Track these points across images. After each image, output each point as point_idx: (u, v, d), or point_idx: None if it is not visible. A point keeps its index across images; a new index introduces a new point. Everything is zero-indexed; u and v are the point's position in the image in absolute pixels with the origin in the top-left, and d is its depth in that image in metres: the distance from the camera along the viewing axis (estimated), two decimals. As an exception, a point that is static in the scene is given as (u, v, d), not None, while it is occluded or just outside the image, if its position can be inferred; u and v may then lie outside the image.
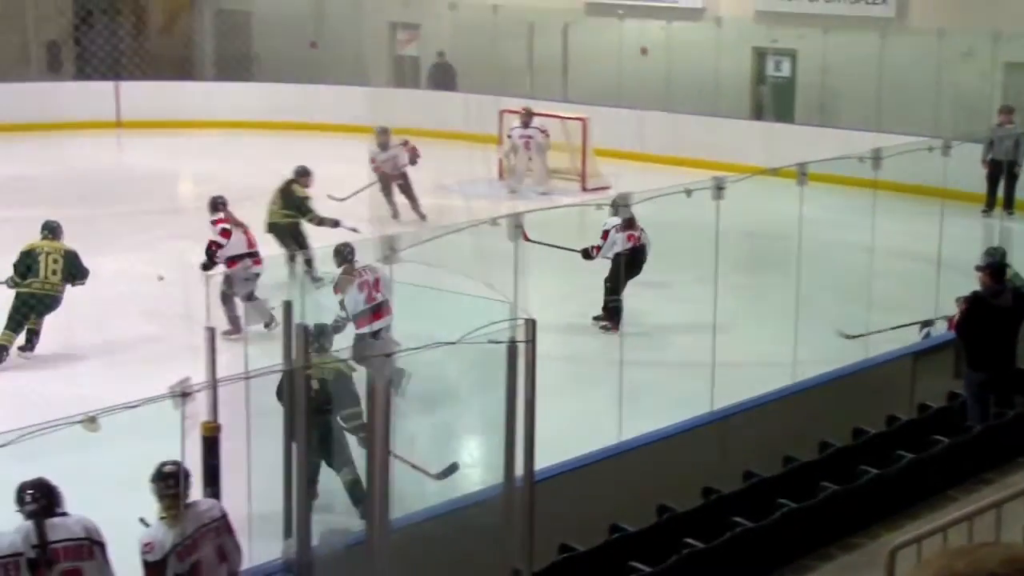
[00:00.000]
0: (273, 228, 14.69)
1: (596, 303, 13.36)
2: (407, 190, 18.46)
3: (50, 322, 12.96)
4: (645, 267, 13.56)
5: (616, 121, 22.40)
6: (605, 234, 13.49)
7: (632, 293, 10.59)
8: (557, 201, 18.05)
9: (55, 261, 12.73)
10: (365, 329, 10.75)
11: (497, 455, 7.08)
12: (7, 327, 12.50)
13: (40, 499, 6.61)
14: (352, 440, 8.77)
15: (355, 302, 10.75)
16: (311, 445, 8.24)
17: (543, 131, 20.38)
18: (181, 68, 27.09)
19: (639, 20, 23.71)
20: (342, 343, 9.49)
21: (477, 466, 9.37)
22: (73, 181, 20.21)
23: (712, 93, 22.53)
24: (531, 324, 6.83)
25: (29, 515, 6.58)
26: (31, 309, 12.55)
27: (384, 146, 18.47)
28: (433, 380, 9.19)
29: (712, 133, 22.13)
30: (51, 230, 13.07)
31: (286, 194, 15.01)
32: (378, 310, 10.90)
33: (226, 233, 12.65)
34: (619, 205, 12.28)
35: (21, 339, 12.60)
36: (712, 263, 10.05)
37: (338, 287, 10.79)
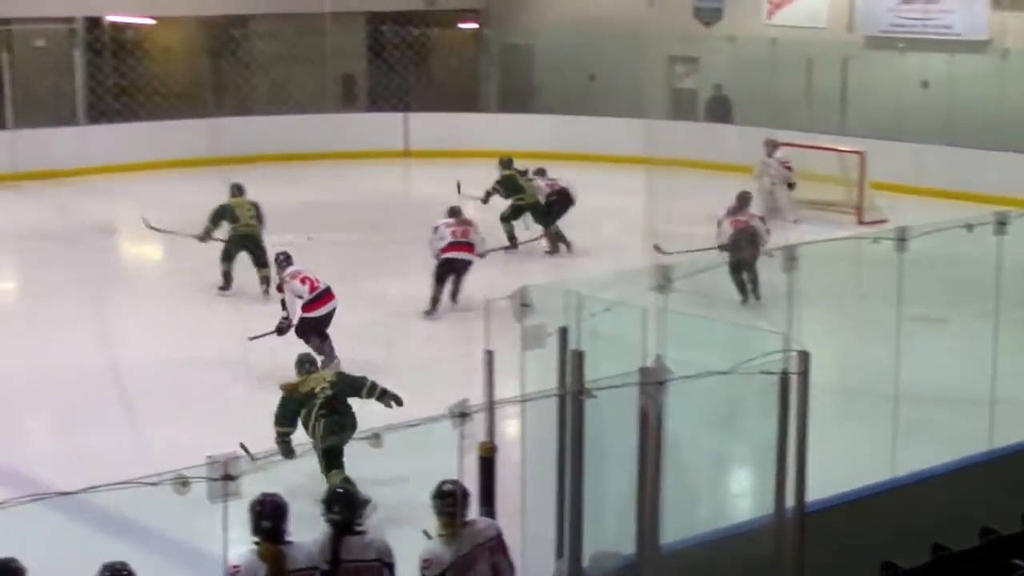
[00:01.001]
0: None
1: (872, 336, 13.19)
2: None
3: (338, 340, 13.58)
4: (913, 297, 13.38)
5: (895, 154, 22.01)
6: (718, 224, 15.84)
7: (907, 328, 10.46)
8: (831, 234, 17.85)
9: (249, 210, 15.90)
10: (314, 314, 12.85)
11: (767, 485, 7.11)
12: (222, 259, 15.70)
13: (344, 512, 6.87)
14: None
15: (300, 291, 12.83)
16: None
17: (783, 163, 20.27)
18: (466, 100, 27.87)
19: (921, 53, 23.26)
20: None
21: (747, 496, 9.40)
22: (362, 208, 21.04)
23: (996, 126, 21.89)
24: (804, 356, 6.85)
25: (332, 527, 6.85)
26: (239, 246, 15.78)
27: None
28: (705, 409, 9.27)
29: (995, 167, 21.50)
30: (239, 189, 16.24)
31: None
32: (324, 295, 12.99)
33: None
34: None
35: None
36: (992, 299, 9.84)
37: (280, 288, 13.01)
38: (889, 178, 21.41)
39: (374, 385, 10.38)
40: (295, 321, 12.93)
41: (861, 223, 20.13)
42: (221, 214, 15.95)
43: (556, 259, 17.90)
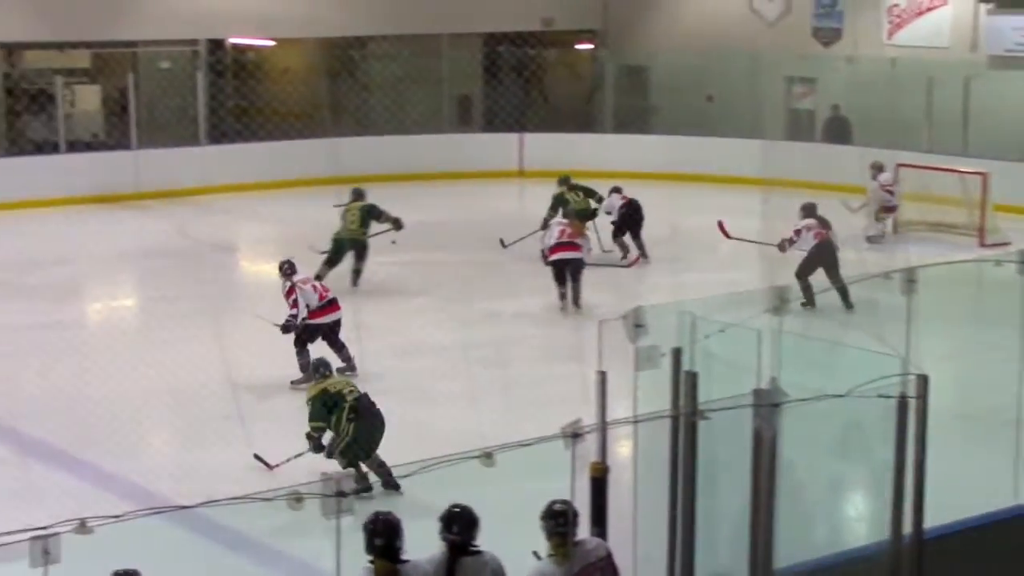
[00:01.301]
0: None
1: (993, 361, 12.94)
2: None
3: (452, 362, 13.68)
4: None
5: (1018, 176, 21.61)
6: (797, 232, 16.15)
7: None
8: (951, 256, 17.59)
9: (352, 214, 16.97)
10: (320, 320, 13.48)
11: (884, 510, 7.01)
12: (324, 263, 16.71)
13: (462, 533, 6.87)
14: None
15: (310, 299, 13.42)
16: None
17: (884, 186, 20.27)
18: (581, 121, 27.92)
19: (1047, 73, 22.85)
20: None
21: (863, 520, 9.26)
22: (478, 227, 21.15)
23: None
24: (922, 380, 6.76)
25: (447, 546, 6.86)
26: (344, 249, 16.98)
27: None
28: (820, 432, 9.16)
29: (1124, 189, 21.04)
30: (358, 194, 17.41)
31: None
32: (331, 304, 13.60)
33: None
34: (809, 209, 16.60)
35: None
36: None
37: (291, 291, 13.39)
38: (1012, 200, 21.04)
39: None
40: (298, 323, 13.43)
41: (983, 245, 19.80)
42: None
43: (670, 279, 17.81)
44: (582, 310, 15.73)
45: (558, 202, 19.01)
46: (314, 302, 13.52)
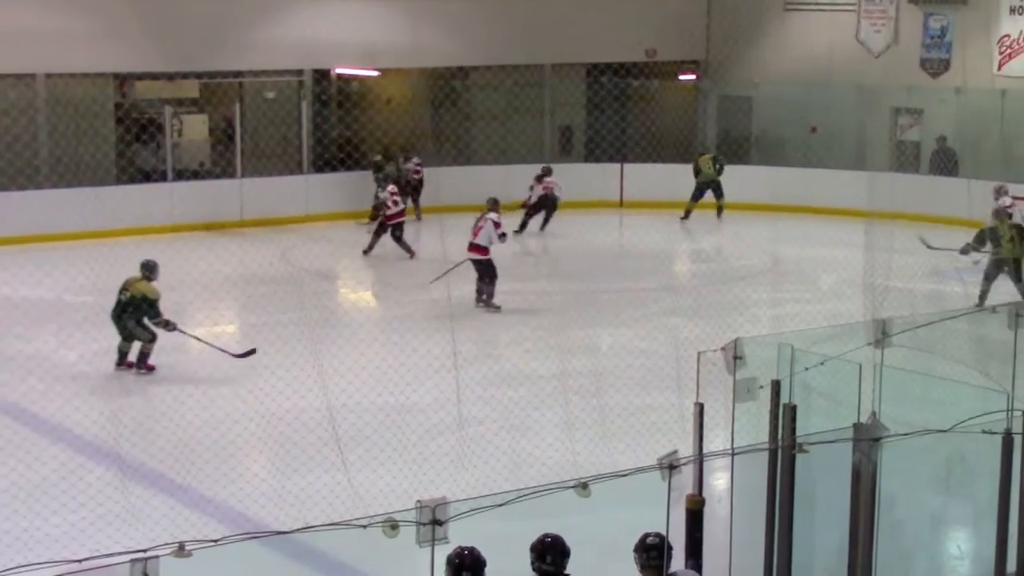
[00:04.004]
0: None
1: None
2: None
3: (549, 391, 13.68)
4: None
5: None
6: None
7: None
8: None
9: (126, 293, 14.77)
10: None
11: (988, 548, 6.88)
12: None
13: (554, 563, 6.88)
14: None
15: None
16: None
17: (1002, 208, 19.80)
18: (683, 151, 27.86)
19: None
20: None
21: (965, 558, 9.08)
22: (580, 256, 21.14)
23: None
24: (1029, 416, 6.63)
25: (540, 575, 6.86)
26: None
27: None
28: (922, 467, 9.02)
29: None
30: (148, 268, 14.92)
31: None
32: None
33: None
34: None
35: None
36: None
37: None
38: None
39: None
40: None
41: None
42: None
43: (770, 310, 17.65)
44: None
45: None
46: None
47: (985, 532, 6.94)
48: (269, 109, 25.56)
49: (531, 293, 19.03)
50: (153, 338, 14.59)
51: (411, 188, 24.24)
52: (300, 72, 25.60)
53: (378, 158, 24.18)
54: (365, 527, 5.49)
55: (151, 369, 14.62)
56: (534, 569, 6.91)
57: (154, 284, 14.74)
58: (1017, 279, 17.95)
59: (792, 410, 7.31)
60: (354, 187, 24.43)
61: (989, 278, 17.76)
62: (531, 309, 17.94)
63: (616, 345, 15.98)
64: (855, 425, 6.66)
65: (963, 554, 9.24)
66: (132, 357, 14.67)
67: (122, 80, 24.48)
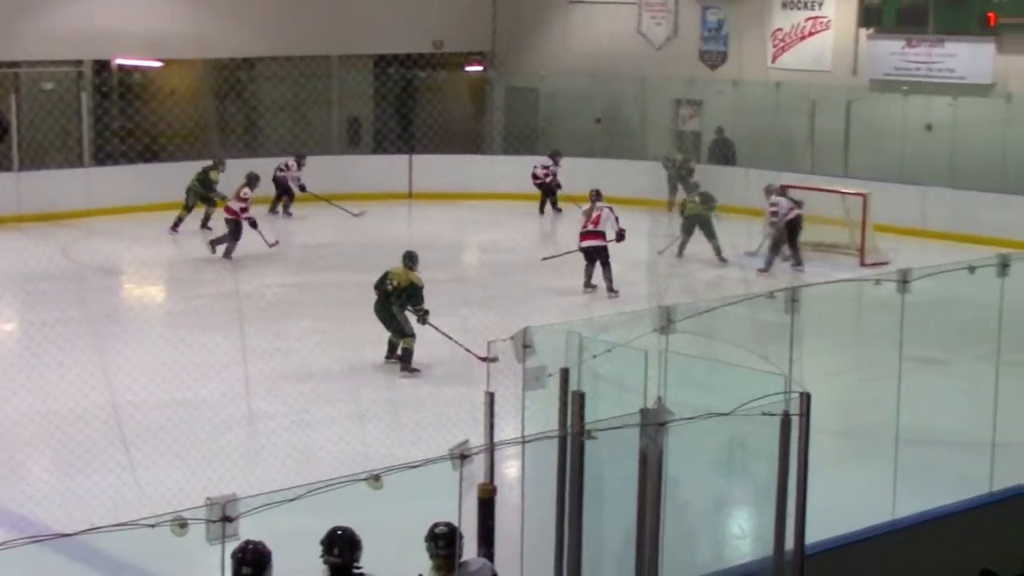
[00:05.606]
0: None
1: (873, 378, 13.20)
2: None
3: (339, 385, 13.63)
4: (915, 339, 13.48)
5: (898, 197, 22.13)
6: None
7: (909, 370, 10.48)
8: (833, 276, 17.91)
9: (392, 283, 14.80)
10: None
11: (767, 527, 7.09)
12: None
13: (343, 555, 6.86)
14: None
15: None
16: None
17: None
18: (471, 142, 27.99)
19: (925, 96, 23.36)
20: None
21: (747, 537, 9.37)
22: (370, 248, 21.05)
23: (999, 169, 21.96)
24: (805, 397, 6.84)
25: (330, 569, 6.85)
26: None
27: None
28: (706, 450, 9.26)
29: (998, 210, 21.58)
30: (411, 258, 15.22)
31: None
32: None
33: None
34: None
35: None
36: (994, 341, 9.83)
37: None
38: (892, 220, 21.50)
39: None
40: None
41: (863, 265, 20.17)
42: None
43: (558, 299, 17.88)
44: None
45: None
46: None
47: (765, 512, 7.15)
48: (47, 100, 24.80)
49: (321, 285, 18.92)
50: (414, 335, 14.53)
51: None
52: (80, 63, 24.90)
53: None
54: (153, 526, 5.40)
55: (414, 371, 14.46)
56: (324, 562, 6.90)
57: (418, 273, 14.84)
58: (710, 235, 20.15)
59: (581, 397, 7.41)
60: (138, 180, 23.89)
61: (686, 231, 20.47)
62: (321, 301, 17.84)
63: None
64: (642, 411, 6.79)
65: (744, 533, 9.52)
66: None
67: None
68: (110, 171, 24.25)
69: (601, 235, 18.37)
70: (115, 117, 25.16)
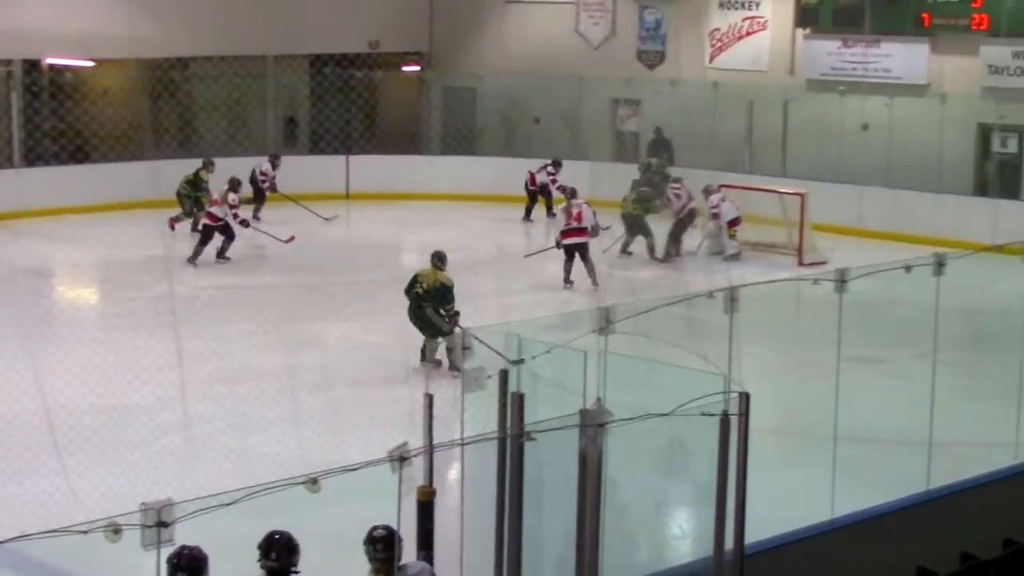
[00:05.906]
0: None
1: (812, 377, 13.24)
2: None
3: (276, 387, 13.51)
4: (853, 338, 13.59)
5: (835, 197, 22.27)
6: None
7: (847, 369, 10.56)
8: (771, 275, 17.99)
9: (422, 286, 14.58)
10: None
11: (707, 527, 7.08)
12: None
13: (279, 559, 6.80)
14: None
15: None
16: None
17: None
18: (408, 143, 27.89)
19: (861, 96, 23.53)
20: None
21: (687, 538, 9.37)
22: (306, 250, 20.94)
23: (935, 169, 22.17)
24: (744, 397, 6.84)
25: (267, 573, 6.79)
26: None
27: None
28: (645, 451, 9.26)
29: (934, 209, 21.80)
30: (440, 258, 15.01)
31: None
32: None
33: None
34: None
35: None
36: (931, 340, 9.89)
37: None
38: (829, 220, 21.63)
39: None
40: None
41: (801, 264, 20.29)
42: None
43: (498, 300, 17.84)
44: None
45: None
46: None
47: (705, 512, 7.15)
48: (-25, 100, 24.48)
49: (257, 287, 18.78)
50: (451, 333, 14.12)
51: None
52: (9, 62, 24.55)
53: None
54: (86, 533, 5.32)
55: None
56: (262, 567, 6.82)
57: (447, 272, 14.67)
58: (646, 233, 20.56)
59: (520, 399, 7.38)
60: (70, 181, 23.59)
61: (627, 231, 20.85)
62: (258, 303, 17.70)
63: (344, 338, 15.88)
64: (581, 412, 6.76)
65: (684, 534, 9.52)
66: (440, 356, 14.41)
67: None
68: (41, 172, 23.91)
69: (584, 231, 18.71)
70: (46, 117, 24.84)
